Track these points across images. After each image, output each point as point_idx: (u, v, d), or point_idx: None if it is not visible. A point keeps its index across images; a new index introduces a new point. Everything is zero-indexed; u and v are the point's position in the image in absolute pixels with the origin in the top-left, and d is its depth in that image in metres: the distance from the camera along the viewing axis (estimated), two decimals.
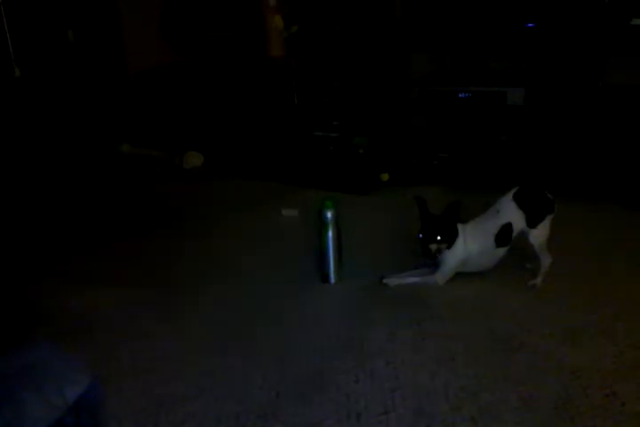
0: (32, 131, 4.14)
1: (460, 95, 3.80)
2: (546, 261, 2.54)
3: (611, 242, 2.95)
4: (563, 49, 3.68)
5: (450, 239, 2.50)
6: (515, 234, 2.53)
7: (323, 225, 2.57)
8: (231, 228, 3.34)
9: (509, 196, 2.54)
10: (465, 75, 4.03)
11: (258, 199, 3.82)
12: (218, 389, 1.93)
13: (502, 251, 2.57)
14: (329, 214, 2.56)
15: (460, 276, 2.61)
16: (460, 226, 2.54)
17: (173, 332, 2.29)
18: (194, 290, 2.62)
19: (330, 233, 2.57)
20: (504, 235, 2.52)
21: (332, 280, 2.64)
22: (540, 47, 3.75)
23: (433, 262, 2.59)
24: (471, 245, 2.54)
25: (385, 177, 3.97)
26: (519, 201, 2.51)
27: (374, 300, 2.48)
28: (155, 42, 4.97)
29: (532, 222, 2.51)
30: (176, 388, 1.94)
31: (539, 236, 2.51)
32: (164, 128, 4.97)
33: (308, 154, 4.13)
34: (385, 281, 2.59)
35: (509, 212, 2.51)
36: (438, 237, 2.46)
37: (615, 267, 2.68)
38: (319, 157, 4.08)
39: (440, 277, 2.57)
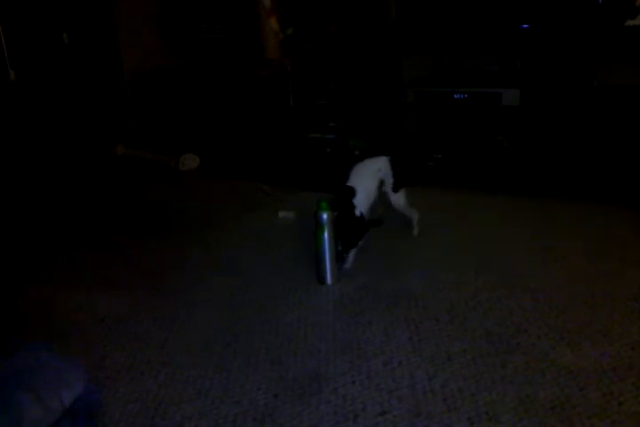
0: (27, 133, 4.14)
1: (455, 96, 3.81)
2: (415, 216, 3.03)
3: (608, 242, 2.96)
4: (557, 50, 3.70)
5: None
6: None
7: (318, 226, 2.57)
8: (228, 230, 3.34)
9: (388, 160, 2.93)
10: (460, 76, 4.04)
11: (254, 201, 3.81)
12: (215, 391, 1.93)
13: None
14: (325, 216, 2.56)
15: (455, 277, 2.62)
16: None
17: (170, 334, 2.28)
18: (190, 292, 2.62)
19: (326, 234, 2.57)
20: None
21: (329, 281, 2.63)
22: (535, 48, 3.77)
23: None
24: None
25: None
26: (394, 167, 2.92)
27: (371, 301, 2.48)
28: (150, 44, 4.97)
29: (396, 188, 2.94)
30: (173, 390, 1.94)
31: (398, 200, 2.95)
32: (160, 130, 4.97)
33: (304, 156, 4.14)
34: (345, 266, 2.75)
35: (387, 173, 2.91)
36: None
37: (612, 267, 2.68)
38: (315, 158, 4.09)
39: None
